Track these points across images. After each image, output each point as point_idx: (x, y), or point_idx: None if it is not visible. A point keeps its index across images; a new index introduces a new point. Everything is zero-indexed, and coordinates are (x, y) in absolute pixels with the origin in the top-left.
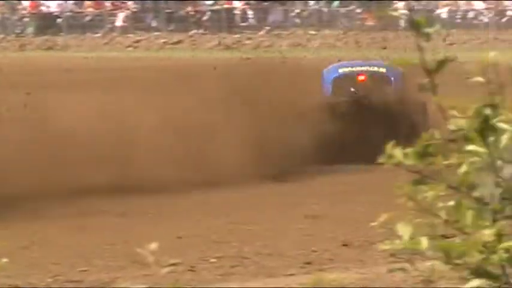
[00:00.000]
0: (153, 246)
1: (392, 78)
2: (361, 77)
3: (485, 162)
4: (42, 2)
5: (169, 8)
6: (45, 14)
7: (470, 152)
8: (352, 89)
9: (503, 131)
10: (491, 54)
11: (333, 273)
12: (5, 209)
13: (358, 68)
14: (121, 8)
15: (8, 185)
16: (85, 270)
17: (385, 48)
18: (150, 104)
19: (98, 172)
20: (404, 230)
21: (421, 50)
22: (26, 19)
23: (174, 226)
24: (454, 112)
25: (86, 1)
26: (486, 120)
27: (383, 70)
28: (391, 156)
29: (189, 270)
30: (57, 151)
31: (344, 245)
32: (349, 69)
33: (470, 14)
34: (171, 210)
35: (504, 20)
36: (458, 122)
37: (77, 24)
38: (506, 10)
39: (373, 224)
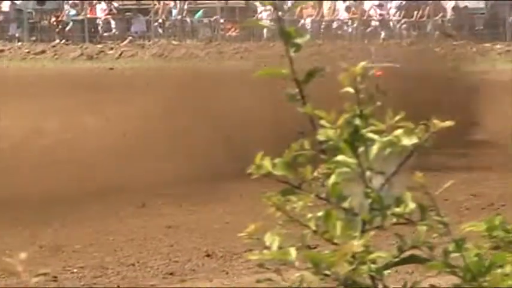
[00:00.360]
0: (23, 255)
1: None
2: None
3: (354, 173)
4: None
5: (33, 19)
6: None
7: (339, 162)
8: None
9: (373, 141)
10: (361, 64)
11: (195, 283)
12: None
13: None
14: None
15: None
16: None
17: (242, 58)
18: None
19: None
20: (272, 240)
21: (291, 61)
22: None
23: (35, 235)
24: (324, 122)
25: None
26: (356, 130)
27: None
28: (259, 167)
29: (52, 280)
30: None
31: (207, 256)
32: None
33: (334, 24)
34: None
35: (369, 30)
36: (327, 133)
37: None
38: (370, 20)
39: (240, 234)
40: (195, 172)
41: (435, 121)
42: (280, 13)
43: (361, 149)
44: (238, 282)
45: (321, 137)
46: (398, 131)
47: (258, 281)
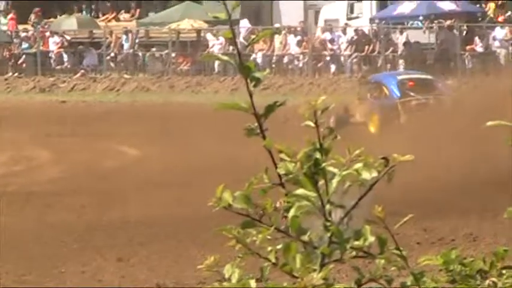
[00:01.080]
0: None
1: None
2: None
3: (314, 206)
4: None
5: None
6: None
7: (299, 196)
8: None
9: (333, 175)
10: (322, 98)
11: None
12: None
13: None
14: None
15: None
16: None
17: (193, 92)
18: None
19: None
20: (232, 272)
21: (251, 94)
22: None
23: None
24: (283, 156)
25: None
26: (316, 164)
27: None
28: (220, 200)
29: None
30: None
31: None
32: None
33: (285, 59)
34: None
35: (319, 65)
36: (287, 166)
37: None
38: (321, 55)
39: (199, 266)
40: None
41: (395, 155)
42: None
43: (321, 182)
44: None
45: (280, 170)
46: (358, 165)
47: None
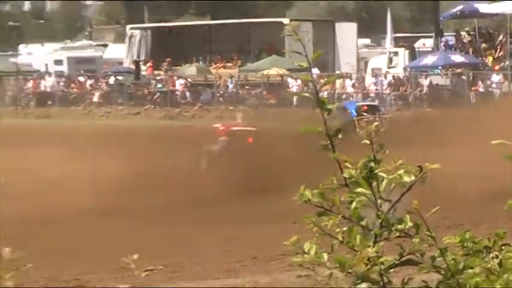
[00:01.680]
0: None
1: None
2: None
3: (369, 200)
4: (41, 82)
5: (131, 90)
6: (43, 92)
7: (358, 193)
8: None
9: (383, 178)
10: (375, 123)
11: (245, 278)
12: None
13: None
14: (97, 88)
15: None
16: None
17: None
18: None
19: None
20: (310, 247)
21: (325, 121)
22: (29, 95)
23: None
24: (348, 164)
25: (72, 83)
26: (371, 170)
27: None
28: (302, 196)
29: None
30: None
31: (254, 258)
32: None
33: (343, 96)
34: None
35: (368, 99)
36: (350, 172)
37: (65, 99)
38: (369, 94)
39: (285, 242)
40: None
41: (426, 164)
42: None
43: (374, 184)
44: (280, 278)
45: (345, 174)
46: (401, 171)
47: (298, 276)
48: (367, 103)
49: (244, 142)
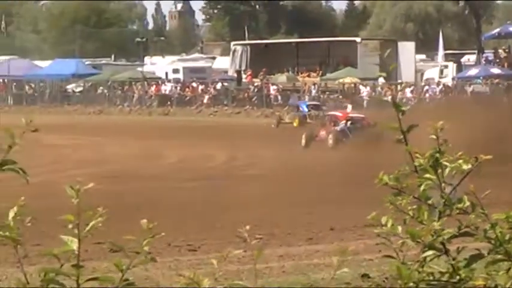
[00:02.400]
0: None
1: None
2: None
3: (435, 184)
4: (161, 87)
5: (233, 93)
6: (163, 95)
7: (426, 178)
8: None
9: (446, 166)
10: (440, 123)
11: (329, 245)
12: None
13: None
14: (206, 92)
15: None
16: None
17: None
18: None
19: None
20: (387, 221)
21: (400, 121)
22: (152, 97)
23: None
24: (417, 155)
25: (186, 88)
26: (436, 160)
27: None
28: (381, 179)
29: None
30: None
31: (331, 229)
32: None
33: (403, 100)
34: None
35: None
36: (420, 161)
37: (181, 101)
38: (423, 99)
39: (368, 217)
40: None
41: (481, 155)
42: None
43: (439, 171)
44: (362, 245)
45: (416, 163)
46: (460, 161)
47: (377, 244)
48: (313, 103)
49: (362, 124)
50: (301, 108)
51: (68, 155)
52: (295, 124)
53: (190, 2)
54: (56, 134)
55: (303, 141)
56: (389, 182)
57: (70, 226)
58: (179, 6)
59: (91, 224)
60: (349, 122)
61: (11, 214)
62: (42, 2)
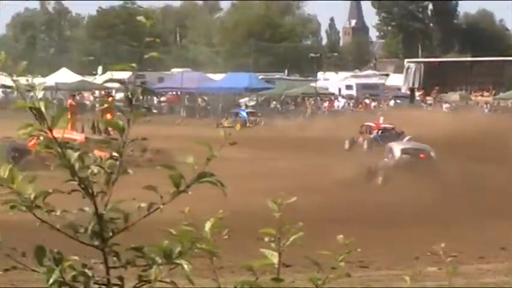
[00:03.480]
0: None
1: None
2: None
3: None
4: (334, 102)
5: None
6: (336, 110)
7: None
8: None
9: None
10: None
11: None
12: None
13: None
14: (379, 109)
15: None
16: None
17: None
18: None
19: None
20: None
21: None
22: (325, 112)
23: None
24: None
25: (359, 104)
26: None
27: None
28: None
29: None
30: None
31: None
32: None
33: None
34: None
35: None
36: None
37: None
38: None
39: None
40: None
41: None
42: None
43: None
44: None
45: None
46: None
47: None
48: (250, 110)
49: (391, 133)
50: (240, 115)
51: (245, 167)
52: (237, 128)
53: (364, 18)
54: (233, 147)
55: (347, 145)
56: None
57: (266, 239)
58: (353, 22)
59: (291, 238)
60: (380, 131)
61: (207, 226)
62: (217, 15)
